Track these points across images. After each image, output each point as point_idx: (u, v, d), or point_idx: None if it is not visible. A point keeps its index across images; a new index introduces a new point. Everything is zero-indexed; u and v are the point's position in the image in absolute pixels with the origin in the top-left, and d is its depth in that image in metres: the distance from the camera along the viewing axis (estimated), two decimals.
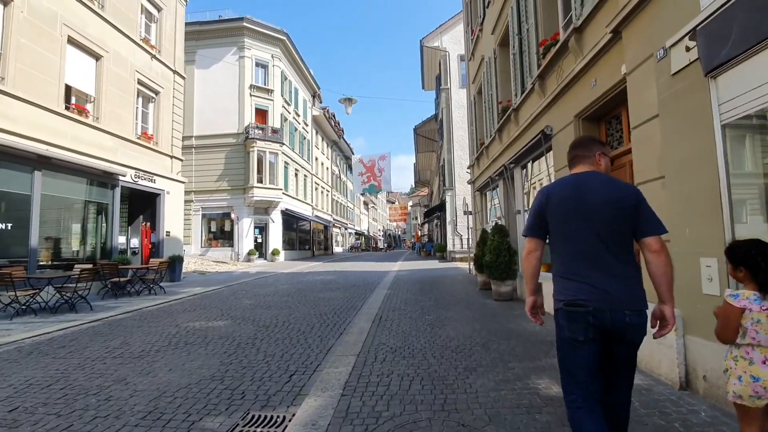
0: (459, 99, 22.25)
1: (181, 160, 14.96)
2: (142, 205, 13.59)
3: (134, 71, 12.61)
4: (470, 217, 13.33)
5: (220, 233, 24.46)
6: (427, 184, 53.21)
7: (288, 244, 27.85)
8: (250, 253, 23.29)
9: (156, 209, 13.52)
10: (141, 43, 13.03)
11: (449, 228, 22.14)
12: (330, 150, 41.81)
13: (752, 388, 1.78)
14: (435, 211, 26.74)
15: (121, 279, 9.68)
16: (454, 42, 22.48)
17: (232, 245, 23.81)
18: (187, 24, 25.53)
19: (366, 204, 68.84)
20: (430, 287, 10.35)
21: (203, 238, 24.37)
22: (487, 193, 11.55)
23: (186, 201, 24.46)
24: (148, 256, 13.22)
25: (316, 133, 35.99)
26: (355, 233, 56.95)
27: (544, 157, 6.57)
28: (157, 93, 13.71)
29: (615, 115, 4.79)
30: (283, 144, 25.41)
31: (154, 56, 13.54)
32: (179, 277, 13.56)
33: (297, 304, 8.22)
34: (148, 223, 13.50)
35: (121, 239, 13.33)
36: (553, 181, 6.04)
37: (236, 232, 23.63)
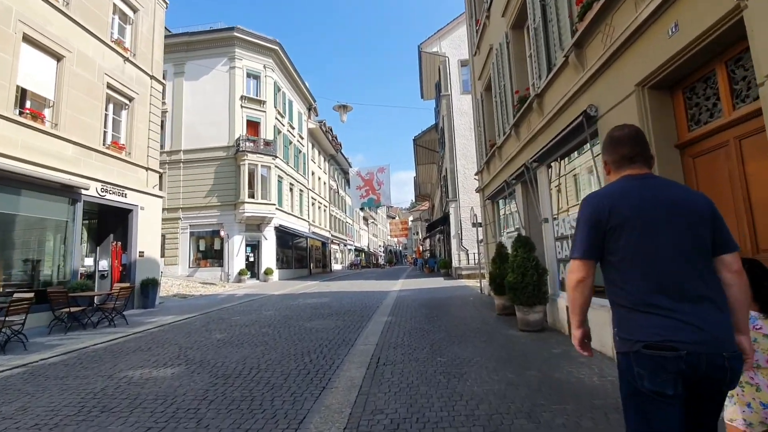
0: (460, 106, 21.07)
1: (159, 173, 13.58)
2: (114, 222, 12.17)
3: (103, 74, 11.36)
4: (479, 229, 11.88)
5: (210, 252, 22.96)
6: (428, 198, 51.95)
7: (282, 262, 26.31)
8: (241, 273, 21.75)
9: (128, 227, 12.08)
10: (112, 44, 11.84)
11: (454, 242, 20.65)
12: (327, 164, 40.65)
13: (763, 415, 1.71)
14: (438, 225, 25.29)
15: (72, 309, 8.16)
16: (453, 47, 21.43)
17: (221, 265, 22.28)
18: (176, 35, 24.75)
19: (366, 220, 67.45)
20: (438, 312, 8.81)
21: (191, 257, 22.87)
22: (500, 201, 10.13)
23: (173, 219, 23.15)
24: (118, 280, 11.72)
25: (312, 146, 34.86)
26: (355, 250, 55.35)
27: (583, 148, 5.16)
28: (131, 99, 12.45)
29: (703, 76, 3.39)
30: (276, 157, 24.16)
31: (127, 59, 12.33)
32: (153, 303, 12.03)
33: (277, 338, 6.70)
34: (119, 243, 12.04)
35: (88, 261, 11.88)
36: (600, 178, 4.62)
37: (226, 251, 22.13)
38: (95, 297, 9.60)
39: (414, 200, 77.43)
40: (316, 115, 36.62)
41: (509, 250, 8.20)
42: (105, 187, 11.02)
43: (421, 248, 43.07)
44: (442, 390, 3.79)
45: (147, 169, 12.94)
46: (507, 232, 9.77)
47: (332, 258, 41.65)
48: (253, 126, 23.89)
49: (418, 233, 78.50)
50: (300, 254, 30.60)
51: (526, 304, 6.11)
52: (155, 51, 13.83)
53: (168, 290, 16.51)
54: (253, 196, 22.64)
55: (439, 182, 29.99)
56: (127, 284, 9.58)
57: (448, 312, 8.75)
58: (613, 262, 1.51)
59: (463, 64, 21.45)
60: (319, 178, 36.82)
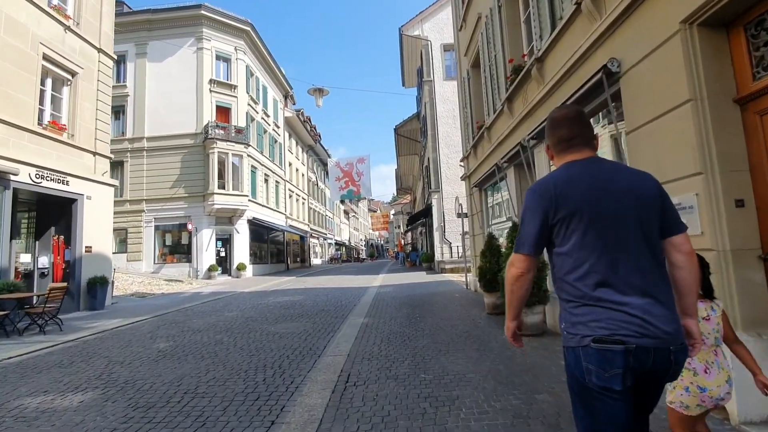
0: (443, 92, 20.16)
1: (109, 158, 12.15)
2: (56, 214, 10.76)
3: (38, 44, 9.88)
4: (465, 220, 11.01)
5: (177, 247, 21.46)
6: (410, 191, 51.14)
7: (257, 257, 25.00)
8: (210, 269, 20.38)
9: (72, 219, 10.68)
10: (50, 10, 10.33)
11: (436, 235, 19.83)
12: (306, 156, 39.21)
13: (700, 399, 1.81)
14: (419, 217, 24.44)
15: None
16: (436, 30, 20.45)
17: (190, 261, 20.84)
18: (136, 12, 22.88)
19: (347, 213, 66.22)
20: (421, 312, 7.89)
21: (156, 253, 21.31)
22: (488, 189, 9.25)
23: (136, 212, 21.51)
24: (61, 279, 10.35)
25: (290, 136, 33.40)
26: (336, 243, 54.17)
27: (598, 117, 4.26)
28: (73, 74, 10.97)
29: None
30: (249, 145, 22.74)
31: (69, 28, 10.83)
32: (102, 305, 10.71)
33: (231, 347, 5.64)
34: (62, 237, 10.64)
35: (25, 258, 10.46)
36: (625, 155, 3.73)
37: (195, 246, 20.70)
38: (29, 298, 8.26)
39: (395, 194, 76.59)
40: (294, 104, 35.12)
41: (502, 241, 7.34)
42: (41, 173, 9.61)
43: (402, 242, 42.27)
44: (428, 427, 2.84)
45: (95, 154, 11.51)
46: (496, 223, 8.92)
47: (311, 252, 40.41)
48: (223, 112, 22.37)
49: (399, 227, 77.78)
50: (277, 248, 29.29)
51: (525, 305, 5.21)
52: (104, 21, 12.31)
53: (127, 289, 15.10)
54: (223, 187, 21.21)
55: (421, 173, 29.13)
56: (62, 284, 8.26)
57: (432, 311, 7.84)
58: (559, 254, 1.45)
59: (446, 48, 20.52)
60: (297, 170, 35.42)
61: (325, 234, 46.52)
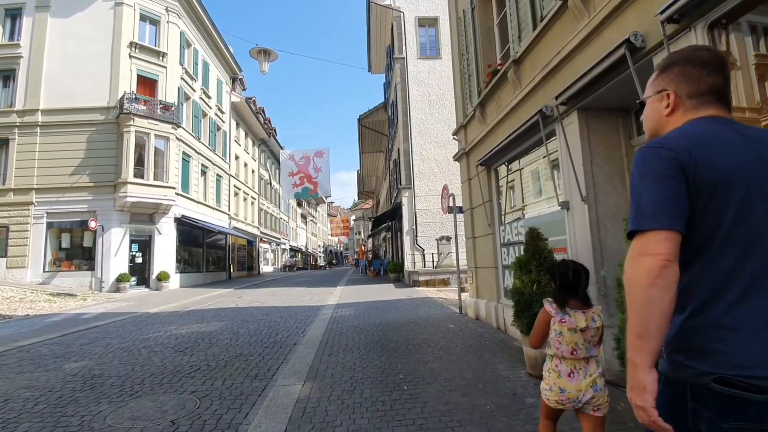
0: (417, 72, 17.23)
1: None
2: None
3: None
4: (456, 218, 7.88)
5: (76, 251, 16.81)
6: (372, 194, 48.01)
7: (188, 264, 20.63)
8: (120, 280, 15.93)
9: None
10: None
11: (407, 240, 16.68)
12: (258, 150, 34.97)
13: (559, 398, 1.93)
14: (385, 219, 21.21)
15: None
16: (410, 1, 17.52)
17: (93, 268, 16.27)
18: None
19: (304, 217, 61.91)
20: (404, 366, 4.57)
21: (48, 258, 16.54)
22: (506, 164, 6.16)
23: (22, 204, 16.64)
24: None
25: (237, 126, 29.18)
26: (291, 249, 49.78)
27: None
28: None
29: None
30: (179, 126, 18.55)
31: None
32: None
33: None
34: None
35: None
36: None
37: (99, 249, 16.17)
38: None
39: (356, 199, 73.14)
40: (243, 89, 30.98)
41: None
42: None
43: (364, 248, 38.91)
44: None
45: None
46: (518, 221, 5.84)
47: (262, 259, 36.01)
48: (146, 84, 18.08)
49: (360, 233, 74.34)
50: (216, 254, 24.90)
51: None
52: None
53: None
54: (141, 176, 16.88)
55: (387, 171, 26.03)
56: None
57: (423, 366, 4.54)
58: (686, 243, 0.98)
59: (422, 23, 17.66)
60: (246, 165, 31.16)
61: (278, 239, 42.18)
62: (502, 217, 6.26)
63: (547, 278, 3.76)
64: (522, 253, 4.19)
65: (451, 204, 7.78)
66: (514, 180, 6.11)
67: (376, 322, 7.29)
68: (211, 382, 4.23)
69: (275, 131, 40.07)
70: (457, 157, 7.67)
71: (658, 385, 0.93)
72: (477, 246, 6.96)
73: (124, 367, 4.95)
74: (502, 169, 6.28)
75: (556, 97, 4.04)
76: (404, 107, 17.08)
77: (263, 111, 36.23)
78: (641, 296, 0.94)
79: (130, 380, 4.39)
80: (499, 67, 5.79)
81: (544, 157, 4.80)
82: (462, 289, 13.99)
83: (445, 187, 8.29)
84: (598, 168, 3.96)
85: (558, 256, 4.13)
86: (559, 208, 4.44)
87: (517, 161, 5.89)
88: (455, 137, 7.90)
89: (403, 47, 17.20)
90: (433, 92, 17.18)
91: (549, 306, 1.99)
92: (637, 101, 1.37)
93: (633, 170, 1.03)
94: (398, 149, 18.05)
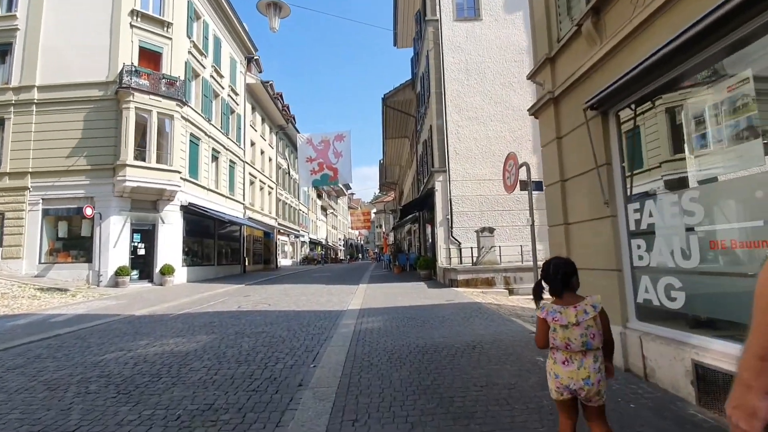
0: (454, 37, 14.83)
1: None
2: None
3: None
4: (547, 194, 5.54)
5: (74, 241, 15.29)
6: (394, 186, 45.73)
7: (198, 257, 18.98)
8: (119, 273, 14.32)
9: None
10: None
11: (440, 232, 14.41)
12: (275, 138, 33.20)
13: (555, 385, 1.98)
14: (413, 209, 18.94)
15: None
16: None
17: (90, 260, 14.72)
18: None
19: (324, 209, 60.21)
20: None
21: (44, 248, 15.09)
22: (622, 113, 3.82)
23: (17, 189, 15.15)
24: None
25: (253, 109, 27.40)
26: (310, 242, 48.19)
27: None
28: None
29: None
30: (186, 104, 16.76)
31: None
32: None
33: None
34: None
35: None
36: None
37: (97, 239, 14.59)
38: None
39: (377, 192, 70.98)
40: (260, 72, 29.15)
41: None
42: None
43: (388, 241, 36.80)
44: None
45: None
46: (683, 192, 3.49)
47: (280, 251, 34.42)
48: (149, 57, 16.33)
49: (381, 226, 72.24)
50: (230, 246, 23.26)
51: None
52: None
53: None
54: (143, 159, 15.19)
55: (412, 157, 23.69)
56: None
57: None
58: None
59: None
60: (263, 152, 29.42)
61: (297, 231, 40.54)
62: (628, 190, 3.93)
63: None
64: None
65: (523, 177, 5.46)
66: (655, 127, 3.76)
67: (418, 345, 5.09)
68: None
69: (294, 119, 38.29)
70: (537, 108, 5.32)
71: None
72: (574, 237, 4.65)
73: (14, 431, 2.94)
74: (624, 115, 3.93)
75: None
76: (438, 78, 14.71)
77: (281, 97, 34.41)
78: None
79: None
80: None
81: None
82: (510, 291, 11.60)
83: (511, 156, 5.96)
84: None
85: None
86: None
87: (660, 97, 3.55)
88: (534, 80, 5.53)
89: (437, 7, 14.79)
90: (471, 60, 14.74)
91: (540, 311, 2.03)
92: None
93: None
94: (430, 127, 15.72)
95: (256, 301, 10.36)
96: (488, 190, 14.42)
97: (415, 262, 20.15)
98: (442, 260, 14.13)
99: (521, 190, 5.57)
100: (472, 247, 13.22)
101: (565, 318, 1.93)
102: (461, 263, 13.61)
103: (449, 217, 14.15)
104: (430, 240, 17.45)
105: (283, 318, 7.66)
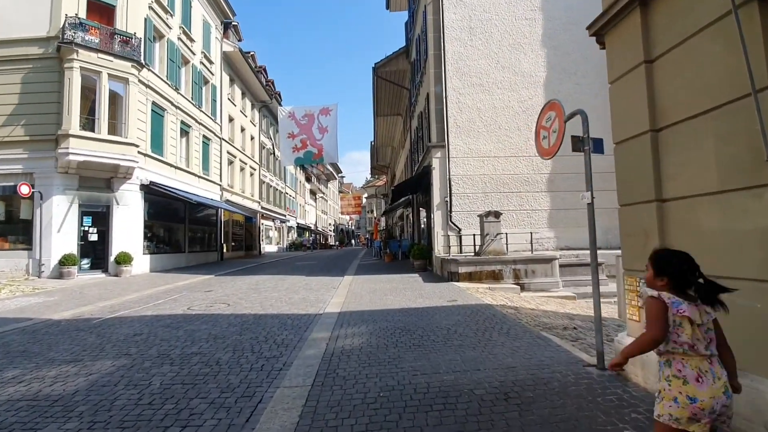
0: None
1: None
2: None
3: None
4: (618, 156, 3.71)
5: (11, 225, 13.16)
6: (386, 170, 43.73)
7: (163, 243, 16.94)
8: (65, 262, 12.29)
9: None
10: None
11: (437, 216, 12.57)
12: (258, 115, 30.81)
13: (690, 411, 1.56)
14: (407, 190, 17.02)
15: None
16: None
17: (31, 246, 12.63)
18: None
19: (313, 193, 58.02)
20: None
21: None
22: None
23: None
24: None
25: (231, 81, 24.98)
26: (298, 227, 46.19)
27: None
28: None
29: None
30: (144, 66, 14.47)
31: None
32: None
33: None
34: None
35: None
36: None
37: (38, 222, 12.49)
38: None
39: (369, 176, 68.68)
40: (239, 40, 26.59)
41: None
42: None
43: (379, 226, 35.02)
44: None
45: None
46: None
47: (264, 237, 32.42)
48: (100, 10, 13.95)
49: (372, 211, 70.27)
50: (205, 232, 21.20)
51: None
52: None
53: None
54: (93, 129, 13.00)
55: (408, 133, 21.67)
56: None
57: None
58: None
59: None
60: (243, 129, 27.11)
61: (284, 215, 38.46)
62: None
63: None
64: None
65: (583, 133, 3.60)
66: None
67: (418, 389, 3.28)
68: None
69: (279, 95, 35.80)
70: (608, 20, 3.42)
71: None
72: (679, 222, 2.84)
73: None
74: None
75: None
76: (437, 37, 12.66)
77: (265, 70, 31.89)
78: None
79: None
80: None
81: None
82: (521, 286, 9.86)
83: (552, 105, 4.11)
84: None
85: None
86: None
87: None
88: None
89: None
90: (476, 16, 12.69)
91: (661, 296, 1.66)
92: None
93: None
94: (427, 96, 13.70)
95: (214, 299, 8.48)
96: (493, 168, 12.58)
97: (408, 250, 18.36)
98: (439, 249, 12.34)
99: (573, 150, 3.72)
100: (474, 235, 11.44)
101: (692, 313, 1.59)
102: (461, 253, 11.84)
103: (448, 199, 12.30)
104: (425, 226, 15.64)
105: (237, 327, 5.81)
